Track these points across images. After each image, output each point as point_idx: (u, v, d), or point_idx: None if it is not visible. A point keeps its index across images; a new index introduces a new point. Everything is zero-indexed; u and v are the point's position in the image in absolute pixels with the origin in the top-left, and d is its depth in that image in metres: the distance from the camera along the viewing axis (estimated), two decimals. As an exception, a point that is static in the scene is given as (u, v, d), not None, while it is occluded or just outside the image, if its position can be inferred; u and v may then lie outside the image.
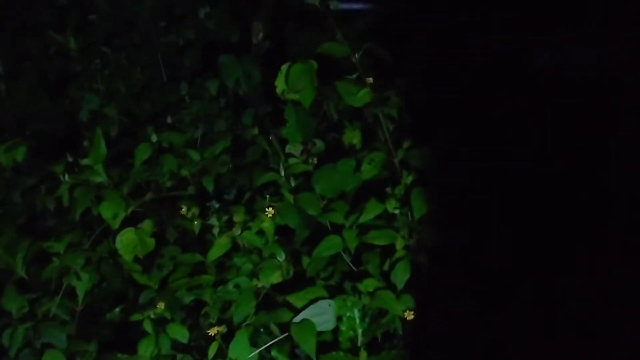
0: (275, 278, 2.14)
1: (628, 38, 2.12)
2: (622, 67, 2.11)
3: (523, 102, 2.15)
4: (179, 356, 2.06)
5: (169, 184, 2.41)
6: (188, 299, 2.14)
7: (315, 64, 2.27)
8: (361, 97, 2.17)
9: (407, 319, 1.99)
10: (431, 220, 2.09)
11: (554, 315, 1.95)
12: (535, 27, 2.24)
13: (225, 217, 2.21)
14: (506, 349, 1.97)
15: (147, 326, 2.06)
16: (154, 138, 2.39)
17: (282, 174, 2.24)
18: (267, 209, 2.12)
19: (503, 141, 2.15)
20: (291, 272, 2.17)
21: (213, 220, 2.20)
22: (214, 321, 2.08)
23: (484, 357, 1.98)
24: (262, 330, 2.06)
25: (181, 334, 2.06)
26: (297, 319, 2.02)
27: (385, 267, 2.10)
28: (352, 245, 2.11)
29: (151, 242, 2.21)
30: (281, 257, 2.13)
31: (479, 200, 2.11)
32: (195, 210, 2.22)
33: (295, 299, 2.06)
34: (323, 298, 2.05)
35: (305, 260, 2.16)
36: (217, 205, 2.27)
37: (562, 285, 1.97)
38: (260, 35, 2.85)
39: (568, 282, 1.98)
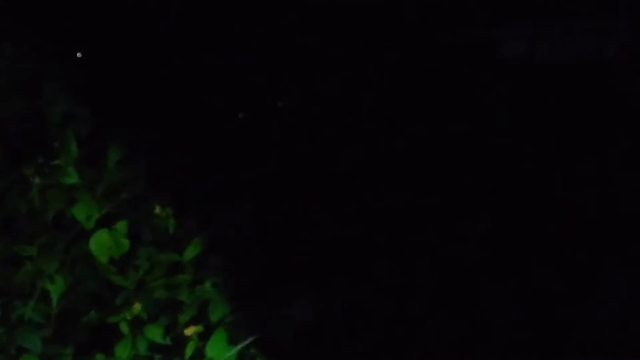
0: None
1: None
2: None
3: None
4: (156, 357, 2.04)
5: (142, 183, 2.38)
6: (164, 298, 2.12)
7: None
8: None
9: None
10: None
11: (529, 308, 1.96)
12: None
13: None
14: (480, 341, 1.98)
15: (124, 328, 2.03)
16: (127, 138, 2.36)
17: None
18: (242, 206, 2.10)
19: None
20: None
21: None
22: (190, 320, 2.06)
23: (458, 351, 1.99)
24: (241, 327, 2.05)
25: (158, 334, 2.04)
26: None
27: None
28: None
29: (126, 243, 2.18)
30: (258, 254, 2.12)
31: (454, 190, 2.11)
32: (169, 210, 2.20)
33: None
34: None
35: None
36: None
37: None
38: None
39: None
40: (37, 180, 2.19)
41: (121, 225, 2.19)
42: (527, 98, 2.09)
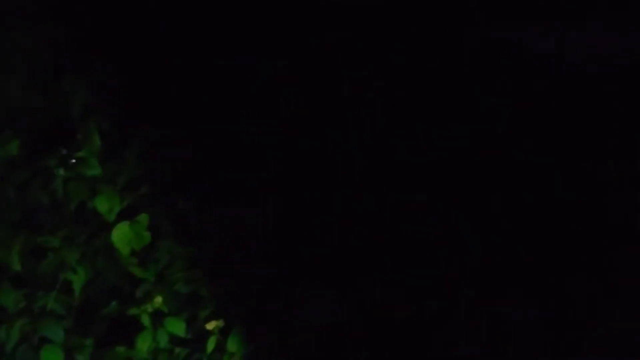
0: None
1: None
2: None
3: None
4: (177, 350, 2.05)
5: (164, 176, 2.39)
6: (185, 292, 2.13)
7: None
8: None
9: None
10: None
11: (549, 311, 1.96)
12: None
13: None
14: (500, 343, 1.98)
15: (145, 320, 2.04)
16: (149, 130, 2.37)
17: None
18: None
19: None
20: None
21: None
22: (211, 314, 2.07)
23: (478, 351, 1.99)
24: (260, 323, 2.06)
25: (179, 328, 2.05)
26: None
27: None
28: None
29: (147, 236, 2.19)
30: (279, 249, 2.12)
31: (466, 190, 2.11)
32: (190, 204, 2.21)
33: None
34: (321, 290, 2.05)
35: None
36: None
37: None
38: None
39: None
40: (60, 172, 2.20)
41: (142, 218, 2.20)
42: (557, 99, 2.07)
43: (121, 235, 2.17)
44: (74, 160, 2.22)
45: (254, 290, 2.11)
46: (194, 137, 2.40)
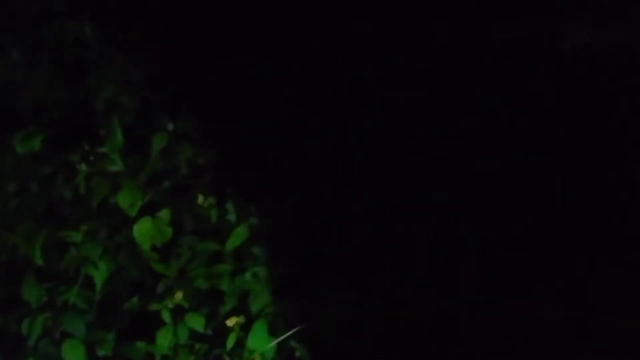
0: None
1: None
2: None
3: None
4: (197, 346, 2.06)
5: (185, 172, 2.39)
6: (205, 287, 2.13)
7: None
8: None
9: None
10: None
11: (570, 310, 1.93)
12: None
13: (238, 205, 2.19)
14: (522, 341, 1.96)
15: (165, 316, 2.05)
16: (171, 126, 2.38)
17: (300, 162, 2.21)
18: (285, 198, 2.10)
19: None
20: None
21: (230, 209, 2.18)
22: (231, 311, 2.06)
23: (498, 349, 1.97)
24: (280, 320, 2.05)
25: (199, 323, 2.05)
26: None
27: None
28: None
29: (168, 231, 2.19)
30: (299, 246, 2.12)
31: (490, 188, 2.08)
32: (212, 200, 2.21)
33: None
34: (342, 287, 2.04)
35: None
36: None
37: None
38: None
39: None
40: (83, 167, 2.22)
41: (164, 214, 2.20)
42: (590, 95, 2.02)
43: (143, 231, 2.17)
44: (92, 158, 2.22)
45: (277, 284, 2.11)
46: (216, 131, 2.39)
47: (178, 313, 2.07)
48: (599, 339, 1.91)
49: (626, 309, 1.90)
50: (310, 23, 2.33)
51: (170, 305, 2.06)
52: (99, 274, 2.13)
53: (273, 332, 2.00)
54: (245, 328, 1.99)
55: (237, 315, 2.00)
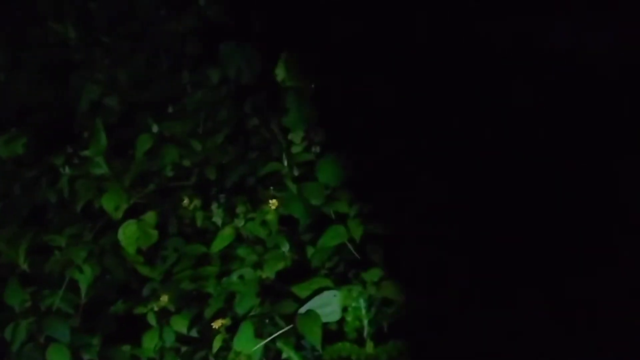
0: (280, 269, 2.12)
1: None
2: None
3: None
4: (183, 348, 2.04)
5: (171, 174, 2.38)
6: (191, 290, 2.12)
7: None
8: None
9: (413, 308, 1.96)
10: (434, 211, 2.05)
11: (560, 310, 1.92)
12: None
13: (223, 207, 2.18)
14: (512, 339, 1.95)
15: (151, 319, 2.04)
16: (155, 128, 2.36)
17: (285, 163, 2.21)
18: (271, 201, 2.09)
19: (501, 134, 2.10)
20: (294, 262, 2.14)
21: (216, 211, 2.17)
22: (217, 313, 2.05)
23: (490, 347, 1.96)
24: (267, 321, 2.04)
25: (185, 326, 2.04)
26: (302, 310, 2.00)
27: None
28: (357, 234, 2.08)
29: (154, 234, 2.18)
30: (285, 247, 2.11)
31: (482, 190, 2.07)
32: (197, 202, 2.20)
33: (299, 290, 2.04)
34: (328, 289, 2.03)
35: (310, 251, 2.13)
36: (222, 199, 2.23)
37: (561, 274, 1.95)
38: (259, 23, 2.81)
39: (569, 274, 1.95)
40: (66, 170, 2.20)
41: (150, 216, 2.19)
42: (576, 97, 2.00)
43: (128, 234, 2.16)
44: (74, 162, 2.21)
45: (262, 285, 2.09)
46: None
47: (164, 316, 2.06)
48: (599, 338, 1.90)
49: (620, 309, 1.90)
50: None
51: (156, 308, 2.05)
52: (84, 278, 2.12)
53: (259, 334, 1.99)
54: (231, 330, 1.98)
55: (223, 317, 1.99)
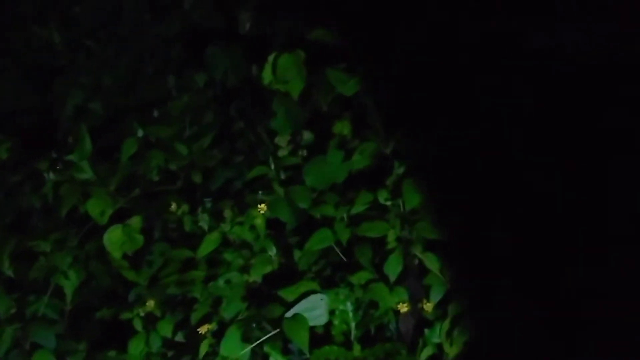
0: (267, 272, 2.11)
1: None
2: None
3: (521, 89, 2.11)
4: (169, 353, 2.04)
5: (156, 178, 2.37)
6: (177, 295, 2.11)
7: (303, 54, 2.23)
8: (351, 85, 2.13)
9: (401, 311, 1.96)
10: (424, 212, 2.06)
11: (559, 310, 1.93)
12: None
13: (210, 211, 2.17)
14: (508, 342, 1.95)
15: (137, 324, 2.03)
16: (141, 132, 2.35)
17: (272, 167, 2.20)
18: (259, 205, 2.09)
19: (500, 131, 2.11)
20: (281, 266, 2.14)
21: (202, 216, 2.17)
22: (204, 318, 2.05)
23: (486, 350, 1.96)
24: (254, 326, 2.03)
25: (171, 331, 2.03)
26: (289, 313, 2.00)
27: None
28: (344, 237, 2.07)
29: (140, 239, 2.17)
30: (272, 251, 2.10)
31: (474, 191, 2.08)
32: (185, 207, 2.19)
33: (286, 294, 2.04)
34: (315, 292, 2.03)
35: (297, 254, 2.13)
36: (209, 204, 2.22)
37: (567, 278, 1.95)
38: (248, 25, 2.80)
39: (574, 276, 1.95)
40: (51, 175, 2.19)
41: (135, 221, 2.18)
42: (554, 96, 2.02)
43: (113, 239, 2.15)
44: (58, 167, 2.19)
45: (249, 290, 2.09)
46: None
47: (150, 321, 2.05)
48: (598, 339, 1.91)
49: (620, 309, 1.90)
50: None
51: (142, 314, 2.04)
52: (69, 284, 2.11)
53: (246, 339, 1.99)
54: (218, 335, 1.97)
55: (210, 322, 1.98)
